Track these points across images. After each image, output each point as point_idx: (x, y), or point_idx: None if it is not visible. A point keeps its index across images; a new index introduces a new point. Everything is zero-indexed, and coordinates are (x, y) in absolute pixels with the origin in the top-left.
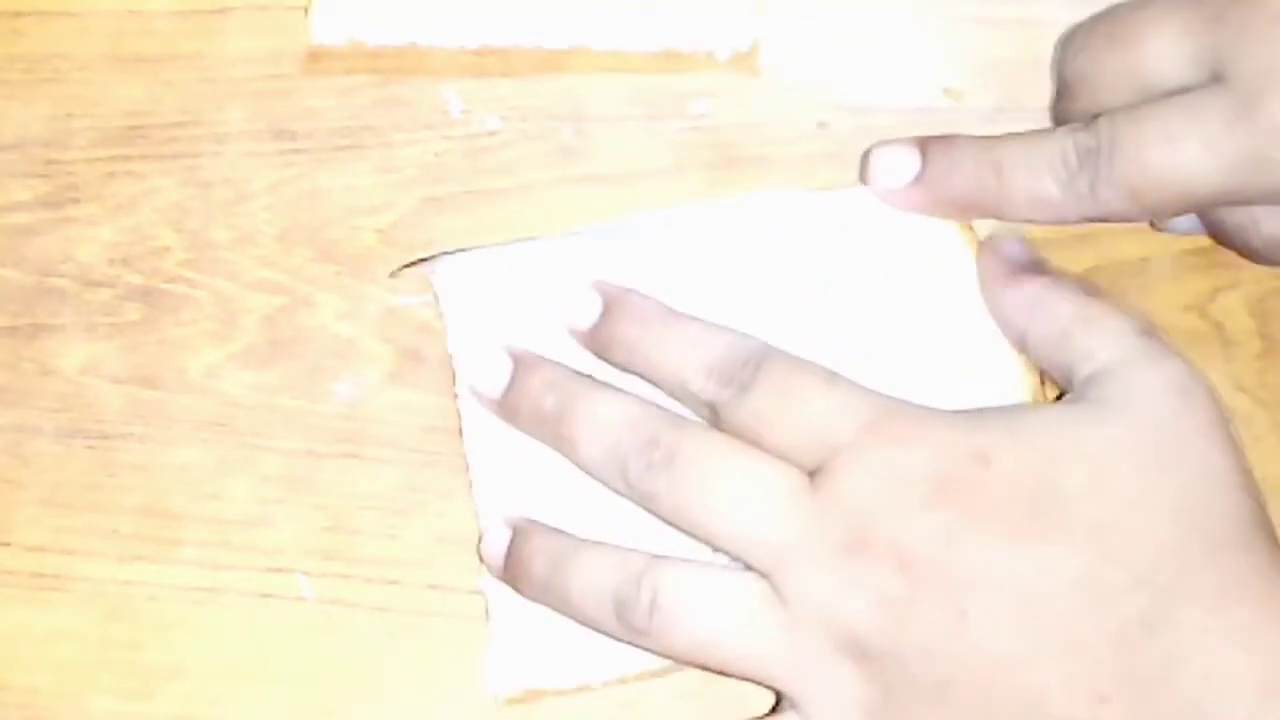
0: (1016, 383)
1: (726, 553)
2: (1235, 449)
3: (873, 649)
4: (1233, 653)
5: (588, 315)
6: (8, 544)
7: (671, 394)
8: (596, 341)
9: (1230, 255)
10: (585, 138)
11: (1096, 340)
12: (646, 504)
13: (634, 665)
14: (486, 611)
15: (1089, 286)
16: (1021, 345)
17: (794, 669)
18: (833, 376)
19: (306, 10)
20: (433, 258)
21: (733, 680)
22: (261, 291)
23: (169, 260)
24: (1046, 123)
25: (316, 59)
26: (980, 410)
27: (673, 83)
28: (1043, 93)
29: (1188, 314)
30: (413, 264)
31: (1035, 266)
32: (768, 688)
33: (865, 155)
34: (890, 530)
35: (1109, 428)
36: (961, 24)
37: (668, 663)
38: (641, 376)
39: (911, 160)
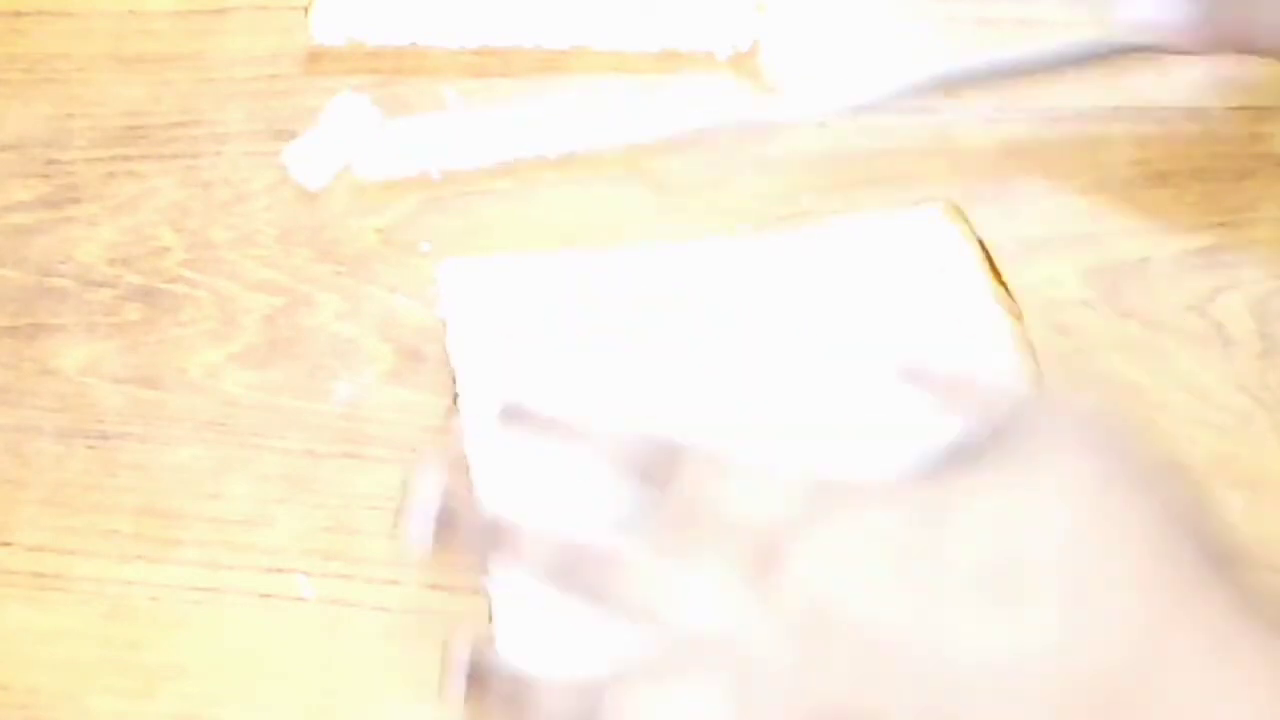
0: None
1: (685, 655)
2: (1178, 487)
3: None
4: (1227, 710)
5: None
6: (8, 544)
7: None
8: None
9: (1231, 255)
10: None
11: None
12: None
13: None
14: (489, 612)
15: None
16: None
17: None
18: (760, 463)
19: (306, 10)
20: None
21: None
22: (261, 291)
23: (169, 260)
24: (1047, 122)
25: (316, 59)
26: (904, 478)
27: (673, 83)
28: (1043, 92)
29: (1188, 314)
30: None
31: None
32: None
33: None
34: (851, 613)
35: (1043, 487)
36: (961, 24)
37: None
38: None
39: None
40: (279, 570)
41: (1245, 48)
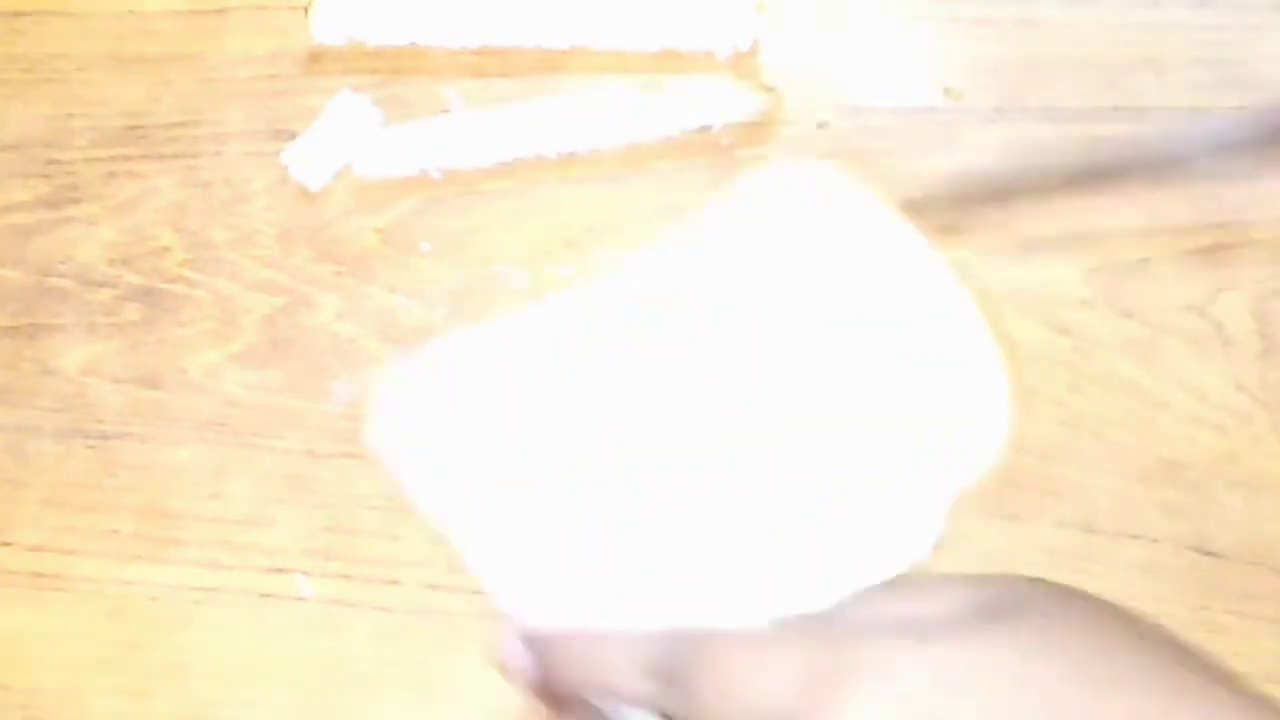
0: (993, 363)
1: None
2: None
3: None
4: None
5: (528, 671)
6: (9, 544)
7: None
8: (549, 690)
9: (1231, 255)
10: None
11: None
12: None
13: None
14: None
15: None
16: None
17: None
18: (761, 639)
19: (306, 10)
20: None
21: None
22: (261, 291)
23: (169, 260)
24: (1047, 122)
25: (316, 59)
26: (915, 631)
27: (672, 83)
28: (1043, 93)
29: (1188, 314)
30: None
31: None
32: None
33: None
34: None
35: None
36: (961, 24)
37: None
38: (596, 702)
39: None
40: (279, 570)
41: None
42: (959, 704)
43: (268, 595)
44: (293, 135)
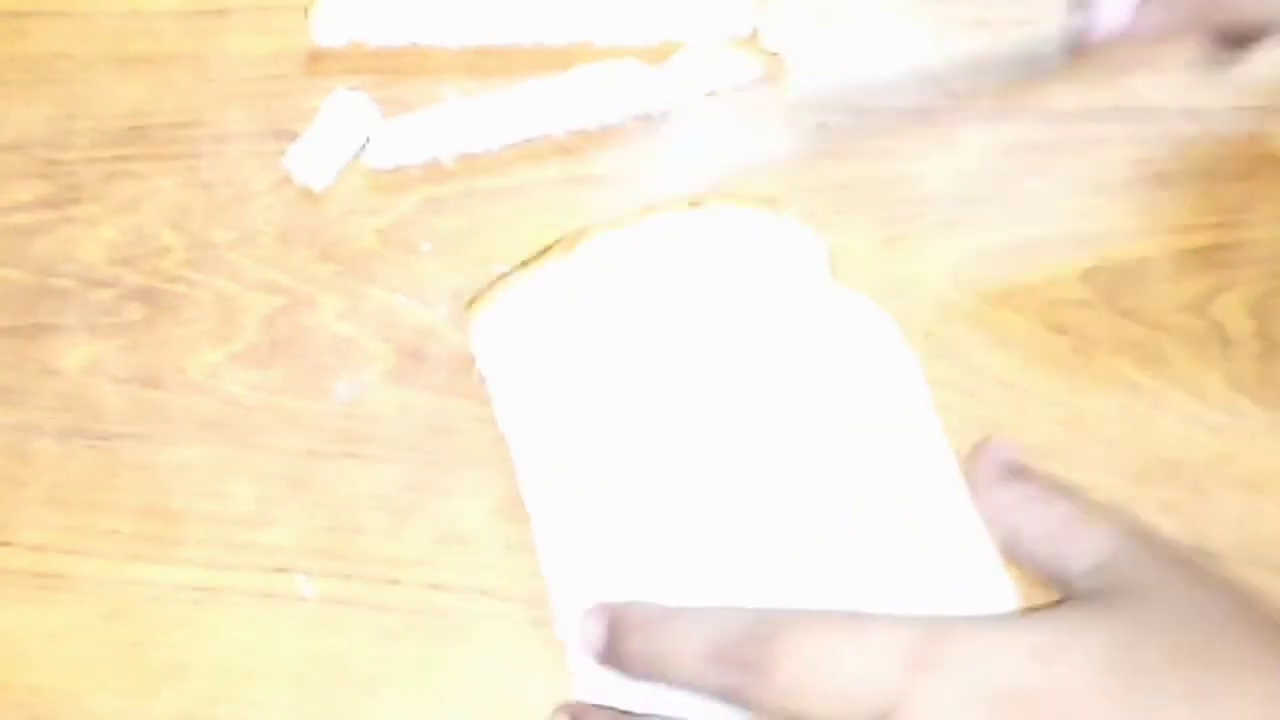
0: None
1: None
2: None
3: None
4: None
5: (596, 641)
6: (10, 543)
7: (697, 693)
8: (614, 663)
9: (1230, 255)
10: (585, 137)
11: (1090, 537)
12: None
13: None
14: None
15: (1074, 490)
16: (1014, 541)
17: None
18: (854, 620)
19: (306, 10)
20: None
21: None
22: (261, 291)
23: (170, 260)
24: (1046, 122)
25: (316, 59)
26: (1010, 616)
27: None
28: (1043, 93)
29: (1188, 314)
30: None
31: (1024, 470)
32: None
33: (1081, 3)
34: None
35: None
36: (961, 24)
37: None
38: (666, 684)
39: None
40: (279, 570)
41: (1204, 23)
42: (1053, 681)
43: (268, 595)
44: (294, 135)
